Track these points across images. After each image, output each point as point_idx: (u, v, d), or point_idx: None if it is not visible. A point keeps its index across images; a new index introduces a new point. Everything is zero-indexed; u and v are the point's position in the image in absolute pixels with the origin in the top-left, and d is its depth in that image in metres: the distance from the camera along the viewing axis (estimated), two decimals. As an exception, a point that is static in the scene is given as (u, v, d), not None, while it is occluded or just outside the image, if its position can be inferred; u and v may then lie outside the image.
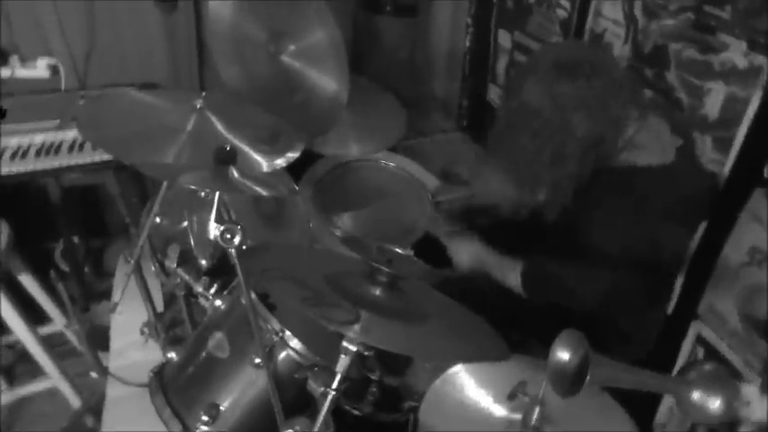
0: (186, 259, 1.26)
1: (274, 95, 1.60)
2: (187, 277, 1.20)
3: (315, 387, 0.84)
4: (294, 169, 1.98)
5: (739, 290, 1.20)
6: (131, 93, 1.26)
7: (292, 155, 1.17)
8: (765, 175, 1.22)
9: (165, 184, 1.21)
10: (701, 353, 1.44)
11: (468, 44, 2.51)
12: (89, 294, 2.37)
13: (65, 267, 2.33)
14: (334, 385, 0.81)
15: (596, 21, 1.68)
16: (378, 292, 0.80)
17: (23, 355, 2.27)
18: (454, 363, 0.89)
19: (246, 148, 1.13)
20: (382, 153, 2.09)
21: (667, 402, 1.59)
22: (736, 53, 1.24)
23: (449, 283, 1.32)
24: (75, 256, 2.33)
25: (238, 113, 1.24)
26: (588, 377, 0.71)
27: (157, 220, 1.38)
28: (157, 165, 0.97)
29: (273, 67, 1.61)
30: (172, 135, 1.10)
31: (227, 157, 0.87)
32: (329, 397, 0.80)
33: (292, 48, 1.63)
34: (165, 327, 1.38)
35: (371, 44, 2.30)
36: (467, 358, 0.83)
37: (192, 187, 1.14)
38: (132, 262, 1.30)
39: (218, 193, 0.89)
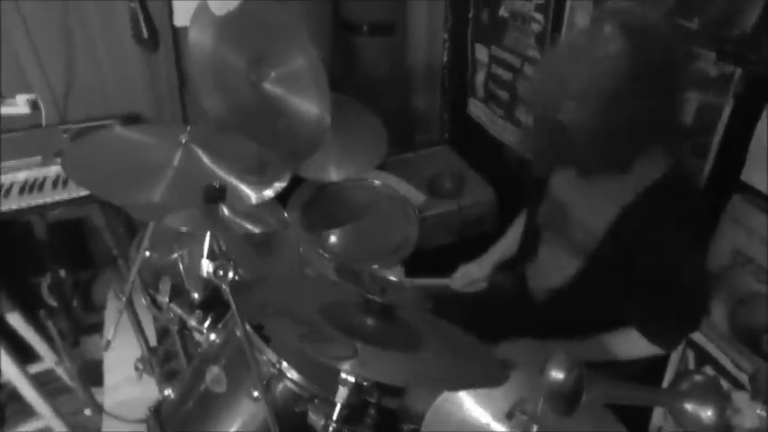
0: (178, 292, 1.26)
1: (258, 123, 1.61)
2: (180, 311, 1.20)
3: (315, 420, 0.84)
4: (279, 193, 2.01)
5: (726, 293, 1.23)
6: (116, 130, 1.27)
7: (280, 185, 1.17)
8: (742, 179, 1.25)
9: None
10: (691, 357, 1.46)
11: (445, 59, 2.54)
12: (78, 328, 2.34)
13: (52, 302, 2.31)
14: (335, 416, 0.81)
15: (569, 33, 1.72)
16: (372, 321, 0.81)
17: (13, 396, 2.23)
18: (453, 390, 0.89)
19: (234, 181, 1.14)
20: (368, 172, 2.10)
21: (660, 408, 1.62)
22: (706, 62, 1.27)
23: (445, 302, 1.33)
24: (63, 290, 2.31)
25: (224, 145, 1.24)
26: (584, 397, 0.73)
27: (147, 254, 1.38)
28: (145, 206, 0.97)
29: (256, 95, 1.62)
30: (158, 171, 1.10)
31: (217, 195, 0.88)
32: (330, 429, 0.81)
33: (273, 74, 1.64)
34: (160, 361, 1.38)
35: (350, 65, 2.32)
36: (465, 385, 0.84)
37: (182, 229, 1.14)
38: (124, 298, 1.29)
39: (208, 233, 0.89)
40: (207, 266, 0.89)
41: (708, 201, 1.30)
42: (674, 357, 1.50)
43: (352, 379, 0.78)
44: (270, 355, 0.99)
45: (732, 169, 1.27)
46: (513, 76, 2.07)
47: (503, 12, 2.02)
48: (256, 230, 0.95)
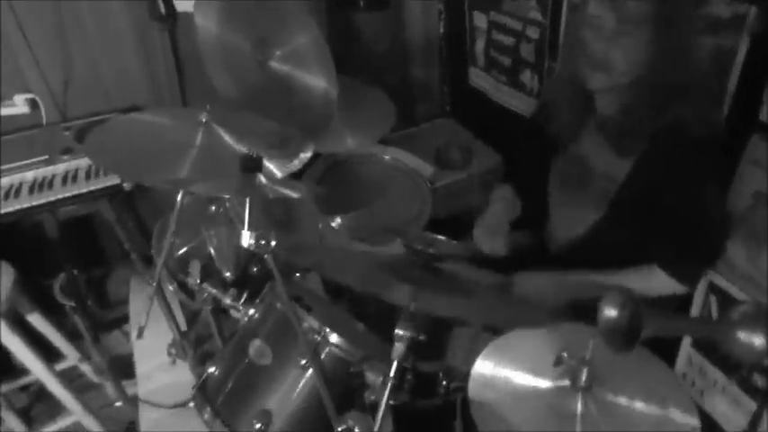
0: (208, 274, 1.26)
1: (269, 102, 1.60)
2: (215, 291, 1.20)
3: (374, 379, 0.85)
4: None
5: (748, 234, 1.24)
6: (135, 116, 1.26)
7: (305, 155, 1.17)
8: (761, 119, 1.26)
9: (179, 202, 1.21)
10: (713, 301, 1.48)
11: (442, 29, 2.53)
12: (96, 326, 2.34)
13: (68, 302, 2.30)
14: (392, 373, 0.82)
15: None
16: (424, 273, 0.82)
17: (39, 396, 2.24)
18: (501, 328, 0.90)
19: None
20: (376, 147, 2.10)
21: (684, 354, 1.64)
22: (718, 4, 1.27)
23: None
24: (78, 289, 2.30)
25: (242, 123, 1.24)
26: (643, 331, 0.74)
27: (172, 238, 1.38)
28: (180, 179, 0.96)
29: (263, 75, 1.60)
30: (182, 151, 1.10)
31: (254, 165, 0.88)
32: (389, 385, 0.82)
33: (278, 53, 1.63)
34: (192, 345, 1.38)
35: (348, 41, 2.30)
36: (514, 323, 0.86)
37: (225, 196, 1.14)
38: (154, 284, 1.29)
39: (248, 201, 0.89)
40: (248, 237, 0.89)
41: (725, 142, 1.30)
42: (698, 301, 1.51)
43: (407, 334, 0.79)
44: (312, 322, 1.00)
45: (750, 110, 1.28)
46: (515, 41, 2.06)
47: (500, -25, 2.01)
48: (294, 195, 0.95)
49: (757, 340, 0.79)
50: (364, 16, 2.26)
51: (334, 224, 1.89)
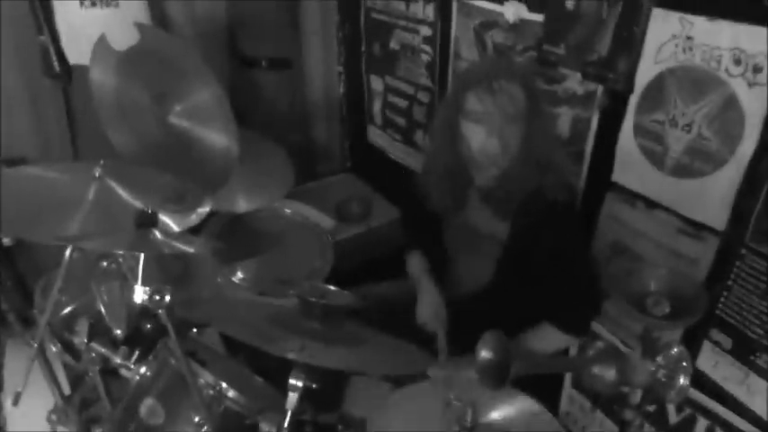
0: (97, 332, 1.21)
1: (167, 157, 1.60)
2: (103, 350, 1.16)
3: (267, 430, 0.86)
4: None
5: (609, 279, 1.41)
6: (21, 169, 1.22)
7: (203, 210, 1.19)
8: (613, 179, 1.46)
9: (66, 257, 1.17)
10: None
11: (342, 90, 2.66)
12: (-37, 396, 2.11)
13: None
14: (286, 424, 0.84)
15: (456, 62, 1.90)
16: (315, 325, 0.86)
17: None
18: (392, 373, 0.95)
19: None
20: (279, 201, 2.14)
21: (566, 395, 1.78)
22: (574, 82, 1.48)
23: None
24: (-59, 356, 2.07)
25: (139, 177, 1.24)
26: (512, 369, 0.83)
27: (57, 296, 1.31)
28: (72, 236, 0.95)
29: (162, 129, 1.61)
30: (73, 206, 1.09)
31: (149, 220, 0.89)
32: (283, 436, 0.84)
33: (178, 108, 1.65)
34: (76, 409, 1.30)
35: (251, 98, 2.36)
36: (397, 370, 0.91)
37: (120, 252, 1.12)
38: (35, 345, 1.22)
39: (142, 257, 0.90)
40: (141, 293, 0.90)
41: (583, 200, 1.50)
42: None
43: (300, 384, 0.82)
44: (208, 377, 1.00)
45: (604, 171, 1.48)
46: (408, 104, 2.22)
47: (393, 45, 2.18)
48: (190, 250, 0.97)
49: (608, 373, 0.90)
50: (267, 75, 2.33)
51: (234, 278, 1.89)
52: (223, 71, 2.34)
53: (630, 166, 1.41)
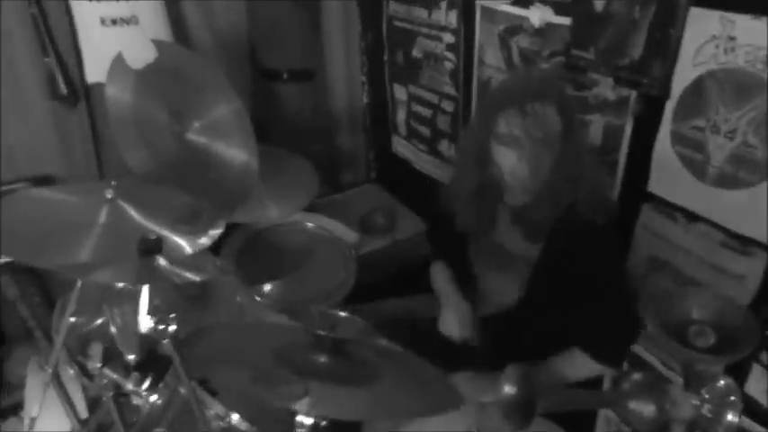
0: (110, 356, 1.19)
1: (185, 175, 1.58)
2: (115, 376, 1.13)
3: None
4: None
5: (647, 296, 1.32)
6: (32, 192, 1.20)
7: (215, 232, 1.15)
8: (649, 189, 1.36)
9: (78, 282, 1.15)
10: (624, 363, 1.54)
11: (366, 100, 2.62)
12: (-7, 412, 2.13)
13: (-39, 387, 2.10)
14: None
15: (481, 69, 1.83)
16: (324, 358, 0.80)
17: None
18: (409, 420, 0.89)
19: (166, 233, 1.11)
20: (300, 214, 2.10)
21: (603, 415, 1.68)
22: (605, 88, 1.40)
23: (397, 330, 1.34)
24: (-28, 373, 2.11)
25: (153, 197, 1.21)
26: (538, 406, 0.76)
27: (72, 319, 1.30)
28: (74, 266, 0.92)
29: (180, 147, 1.59)
30: (84, 230, 1.06)
31: (153, 247, 0.85)
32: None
33: (197, 125, 1.63)
34: (93, 433, 1.28)
35: (273, 111, 2.34)
36: (421, 413, 0.84)
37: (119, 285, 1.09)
38: (49, 370, 1.20)
39: (146, 286, 0.86)
40: (146, 322, 0.86)
41: (619, 213, 1.40)
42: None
43: (308, 421, 0.77)
44: (218, 408, 0.96)
45: (640, 182, 1.38)
46: (432, 113, 2.16)
47: (416, 53, 2.12)
48: (197, 278, 0.93)
49: (646, 409, 0.82)
50: (289, 87, 2.31)
51: (257, 297, 1.85)
52: (244, 84, 2.32)
53: (668, 177, 1.32)
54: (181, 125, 1.60)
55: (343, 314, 0.83)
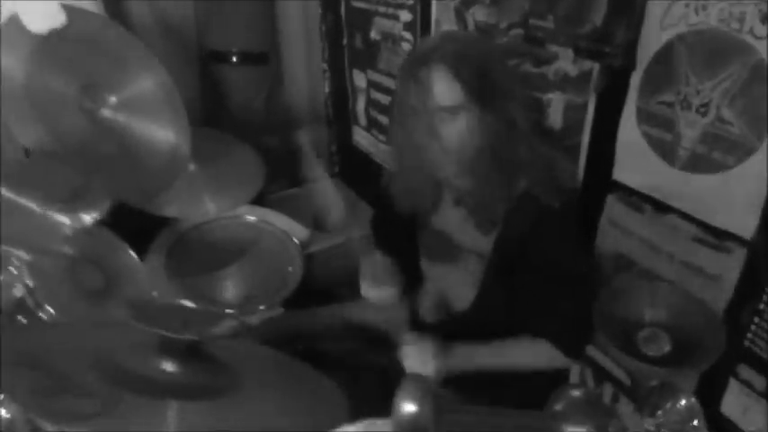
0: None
1: (96, 154, 1.40)
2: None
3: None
4: (142, 237, 1.78)
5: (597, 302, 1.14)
6: None
7: (97, 211, 0.99)
8: (614, 178, 1.19)
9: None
10: (589, 375, 1.37)
11: (327, 89, 2.45)
12: None
13: None
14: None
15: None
16: (173, 365, 0.62)
17: None
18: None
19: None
20: (244, 208, 1.93)
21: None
22: (565, 61, 1.23)
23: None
24: None
25: (33, 176, 1.05)
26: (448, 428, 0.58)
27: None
28: None
29: (91, 124, 1.41)
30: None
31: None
32: None
33: (113, 100, 1.45)
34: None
35: (221, 96, 2.16)
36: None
37: None
38: None
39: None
40: None
41: (581, 204, 1.24)
42: (573, 377, 1.40)
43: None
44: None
45: (604, 169, 1.22)
46: (391, 100, 1.99)
47: (374, 34, 1.96)
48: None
49: (585, 436, 0.64)
50: (240, 71, 2.13)
51: (200, 288, 1.67)
52: (191, 68, 2.15)
53: (634, 161, 1.15)
54: (93, 101, 1.43)
55: (203, 310, 0.65)
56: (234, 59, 2.09)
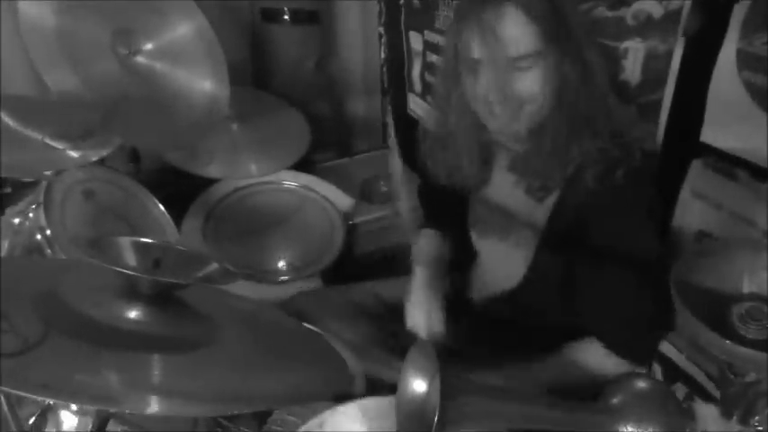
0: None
1: (127, 102, 1.34)
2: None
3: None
4: (182, 198, 1.73)
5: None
6: None
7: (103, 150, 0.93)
8: (702, 140, 0.99)
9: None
10: (658, 371, 1.19)
11: (383, 55, 2.32)
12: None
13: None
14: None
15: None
16: (137, 314, 0.52)
17: None
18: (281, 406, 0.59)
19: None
20: (287, 173, 1.84)
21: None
22: (648, 0, 1.04)
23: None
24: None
25: (43, 112, 0.99)
26: (450, 417, 0.44)
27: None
28: None
29: (125, 71, 1.36)
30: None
31: None
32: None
33: (149, 47, 1.39)
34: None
35: (272, 56, 2.07)
36: (285, 400, 0.54)
37: None
38: None
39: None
40: None
41: (659, 171, 1.05)
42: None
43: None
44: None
45: (689, 129, 1.02)
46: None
47: (432, -11, 1.80)
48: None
49: (649, 438, 0.49)
50: (290, 30, 2.04)
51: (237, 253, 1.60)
52: (245, 26, 2.07)
53: (730, 118, 0.94)
54: (128, 47, 1.36)
55: (179, 248, 0.54)
56: (285, 17, 2.00)
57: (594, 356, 0.96)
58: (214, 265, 0.56)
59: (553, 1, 0.91)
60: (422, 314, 1.06)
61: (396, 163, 2.07)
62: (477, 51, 0.91)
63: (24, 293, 0.50)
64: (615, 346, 0.94)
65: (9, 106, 0.98)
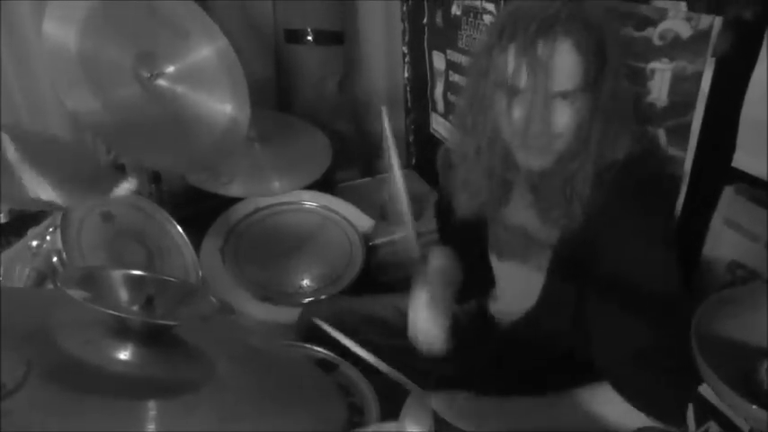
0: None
1: (150, 125, 1.35)
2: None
3: None
4: (203, 218, 1.73)
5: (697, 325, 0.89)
6: None
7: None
8: (734, 165, 0.94)
9: None
10: (690, 409, 1.12)
11: (407, 74, 2.31)
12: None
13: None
14: None
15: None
16: (128, 354, 0.50)
17: None
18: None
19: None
20: (308, 194, 1.83)
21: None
22: (676, 19, 0.99)
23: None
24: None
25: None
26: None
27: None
28: None
29: (147, 94, 1.37)
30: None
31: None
32: None
33: (171, 70, 1.40)
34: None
35: (295, 77, 2.08)
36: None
37: None
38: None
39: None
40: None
41: (687, 197, 1.00)
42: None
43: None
44: None
45: (721, 154, 0.97)
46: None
47: (455, 10, 1.78)
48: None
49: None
50: (313, 51, 2.04)
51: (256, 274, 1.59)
52: (269, 49, 2.09)
53: (764, 143, 0.89)
54: (149, 70, 1.38)
55: (174, 280, 0.52)
56: (309, 38, 2.00)
57: (609, 399, 0.87)
58: (210, 300, 0.54)
59: (600, 35, 0.87)
60: (423, 327, 1.05)
61: (398, 181, 2.05)
62: (522, 81, 0.86)
63: (13, 329, 0.49)
64: (628, 391, 0.85)
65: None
